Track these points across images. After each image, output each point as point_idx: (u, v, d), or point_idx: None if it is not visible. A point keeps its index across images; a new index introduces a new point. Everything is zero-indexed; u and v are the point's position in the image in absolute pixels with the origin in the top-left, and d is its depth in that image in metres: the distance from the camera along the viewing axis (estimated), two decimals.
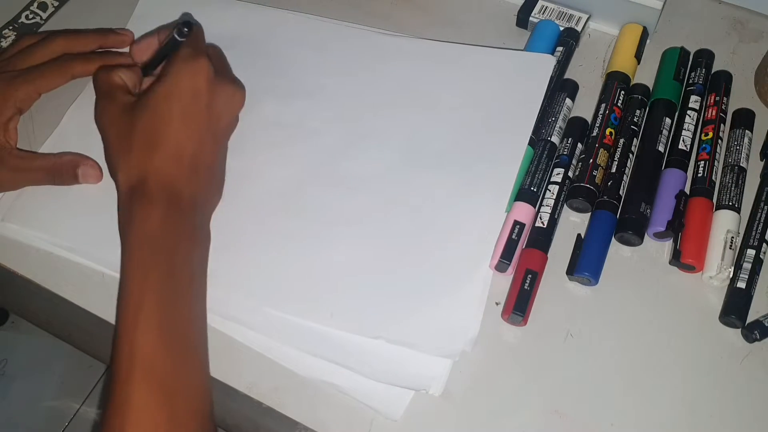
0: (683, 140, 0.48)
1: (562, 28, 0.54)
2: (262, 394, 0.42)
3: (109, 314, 0.44)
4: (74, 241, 0.46)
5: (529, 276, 0.43)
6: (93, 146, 0.47)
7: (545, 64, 0.51)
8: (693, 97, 0.50)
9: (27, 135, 0.50)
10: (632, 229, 0.45)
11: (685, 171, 0.47)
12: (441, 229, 0.46)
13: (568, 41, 0.53)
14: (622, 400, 0.41)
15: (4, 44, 0.56)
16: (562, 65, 0.52)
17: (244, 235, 0.46)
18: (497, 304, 0.44)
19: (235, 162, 0.47)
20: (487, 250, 0.44)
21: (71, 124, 0.51)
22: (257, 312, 0.43)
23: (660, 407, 0.41)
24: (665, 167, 0.48)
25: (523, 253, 0.44)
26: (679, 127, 0.49)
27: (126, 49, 0.53)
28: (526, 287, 0.43)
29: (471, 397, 0.41)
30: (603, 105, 0.50)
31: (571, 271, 0.44)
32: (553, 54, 0.52)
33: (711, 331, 0.43)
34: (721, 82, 0.51)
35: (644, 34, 0.53)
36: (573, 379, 0.42)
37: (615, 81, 0.51)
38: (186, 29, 0.45)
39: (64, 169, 0.47)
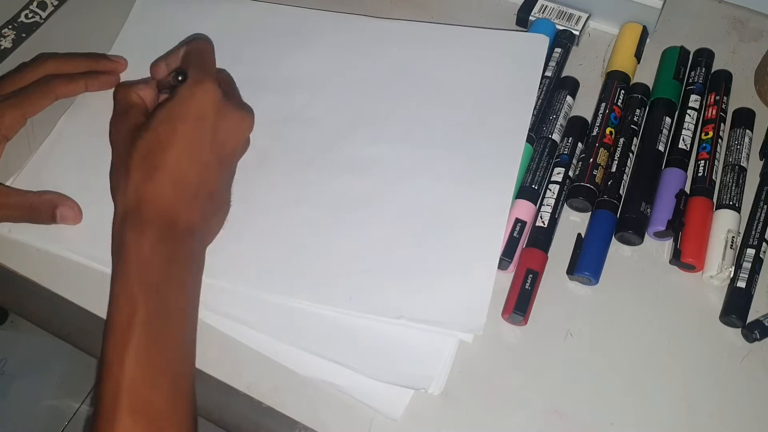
0: (683, 139, 0.48)
1: (559, 27, 0.54)
2: (261, 393, 0.42)
3: None
4: (75, 242, 0.46)
5: (530, 276, 0.43)
6: (89, 151, 0.48)
7: (539, 43, 0.52)
8: (693, 97, 0.50)
9: (27, 134, 0.50)
10: (632, 229, 0.45)
11: (686, 170, 0.47)
12: (451, 208, 0.46)
13: (565, 43, 0.53)
14: (622, 400, 0.41)
15: (4, 43, 0.56)
16: (560, 67, 0.52)
17: (257, 229, 0.46)
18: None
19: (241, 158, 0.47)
20: (500, 225, 0.45)
21: (67, 127, 0.51)
22: (261, 308, 0.44)
23: (660, 407, 0.41)
24: (665, 166, 0.48)
25: (524, 253, 0.44)
26: (679, 127, 0.49)
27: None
28: (526, 287, 0.43)
29: (471, 396, 0.41)
30: (603, 104, 0.50)
31: (572, 270, 0.44)
32: (550, 56, 0.52)
33: (711, 330, 0.43)
34: (721, 82, 0.50)
35: (644, 34, 0.53)
36: (573, 379, 0.42)
37: (615, 80, 0.51)
38: (181, 78, 0.44)
39: (42, 209, 0.45)
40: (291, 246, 0.45)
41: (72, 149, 0.50)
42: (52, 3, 0.58)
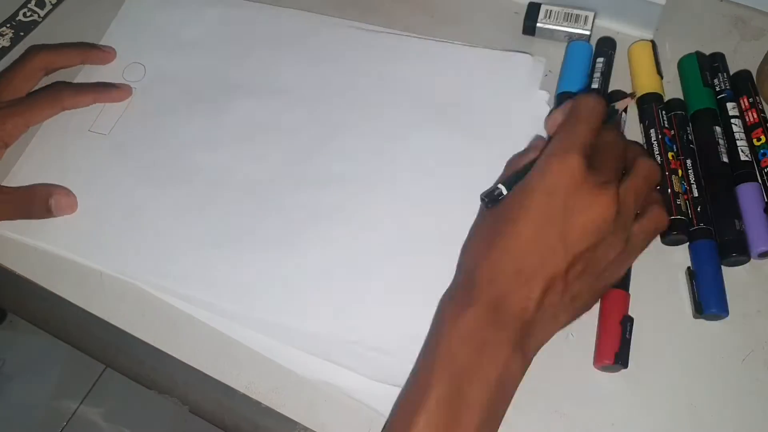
0: (741, 151, 0.46)
1: (569, 31, 0.52)
2: (260, 393, 0.42)
3: (107, 313, 0.44)
4: (73, 243, 0.46)
5: (628, 323, 0.41)
6: (78, 150, 0.49)
7: (533, 65, 0.50)
8: (729, 105, 0.48)
9: (25, 137, 0.50)
10: (737, 251, 0.43)
11: (757, 182, 0.45)
12: (422, 235, 0.44)
13: (606, 51, 0.51)
14: (622, 401, 0.41)
15: (2, 42, 0.56)
16: (605, 78, 0.50)
17: (221, 237, 0.45)
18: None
19: (209, 162, 0.47)
20: None
21: (49, 129, 0.50)
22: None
23: (660, 407, 0.41)
24: (737, 184, 0.45)
25: (610, 295, 0.43)
26: (731, 139, 0.47)
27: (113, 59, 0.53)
28: (626, 336, 0.41)
29: None
30: (652, 130, 0.47)
31: (700, 309, 0.42)
32: (593, 70, 0.50)
33: (712, 330, 0.43)
34: (746, 83, 0.49)
35: (655, 48, 0.51)
36: (573, 380, 0.41)
37: (652, 103, 0.48)
38: (488, 200, 0.40)
39: (35, 201, 0.45)
40: (253, 260, 0.45)
41: (60, 149, 0.49)
42: (50, 1, 0.58)
